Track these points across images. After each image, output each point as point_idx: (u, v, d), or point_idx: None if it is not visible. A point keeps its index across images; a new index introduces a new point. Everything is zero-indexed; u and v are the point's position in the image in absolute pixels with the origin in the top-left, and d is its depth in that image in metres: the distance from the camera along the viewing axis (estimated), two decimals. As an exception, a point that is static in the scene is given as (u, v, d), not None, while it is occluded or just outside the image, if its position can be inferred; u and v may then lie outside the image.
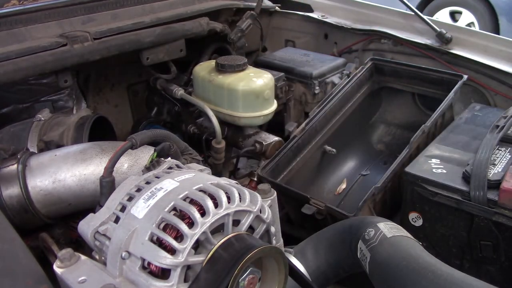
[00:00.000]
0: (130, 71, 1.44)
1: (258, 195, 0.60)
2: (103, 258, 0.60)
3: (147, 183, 0.63)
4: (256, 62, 1.52)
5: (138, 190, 0.62)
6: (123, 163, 0.85)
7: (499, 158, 0.97)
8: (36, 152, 0.96)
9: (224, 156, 1.24)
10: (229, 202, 0.55)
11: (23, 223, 0.85)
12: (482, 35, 1.37)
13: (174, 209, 0.55)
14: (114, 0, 1.20)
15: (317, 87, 1.40)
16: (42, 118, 1.03)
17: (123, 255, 0.54)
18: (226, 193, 0.56)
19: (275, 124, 1.37)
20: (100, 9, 1.18)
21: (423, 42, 1.38)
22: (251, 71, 1.23)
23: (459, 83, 1.19)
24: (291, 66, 1.43)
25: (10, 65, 0.94)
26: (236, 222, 0.57)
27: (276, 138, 1.24)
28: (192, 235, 0.52)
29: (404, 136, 1.39)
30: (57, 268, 0.56)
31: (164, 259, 0.51)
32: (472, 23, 3.39)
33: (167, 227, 0.54)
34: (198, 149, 1.06)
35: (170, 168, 0.69)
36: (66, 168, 0.85)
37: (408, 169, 1.01)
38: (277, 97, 1.30)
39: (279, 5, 1.69)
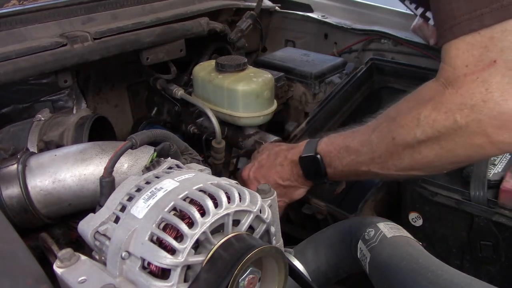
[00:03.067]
0: (130, 71, 1.44)
1: (258, 195, 0.60)
2: (103, 258, 0.60)
3: (147, 183, 0.63)
4: (256, 62, 1.52)
5: (138, 190, 0.62)
6: (123, 163, 0.85)
7: (499, 158, 0.97)
8: (36, 152, 0.96)
9: (224, 156, 1.24)
10: (229, 202, 0.55)
11: (23, 223, 0.85)
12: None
13: (174, 209, 0.55)
14: (114, 0, 1.21)
15: (317, 87, 1.40)
16: (42, 118, 1.03)
17: (123, 255, 0.54)
18: (226, 193, 0.56)
19: (275, 124, 1.37)
20: (100, 9, 1.18)
21: (423, 42, 1.38)
22: (251, 71, 1.23)
23: (459, 83, 1.19)
24: (291, 66, 1.43)
25: (10, 65, 0.94)
26: (236, 222, 0.57)
27: (276, 138, 1.24)
28: (192, 235, 0.52)
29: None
30: (57, 268, 0.56)
31: (164, 259, 0.51)
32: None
33: (167, 227, 0.54)
34: (198, 149, 1.06)
35: (170, 168, 0.69)
36: (66, 168, 0.85)
37: (408, 169, 1.01)
38: (277, 97, 1.30)
39: (279, 5, 1.69)
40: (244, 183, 1.05)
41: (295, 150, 0.99)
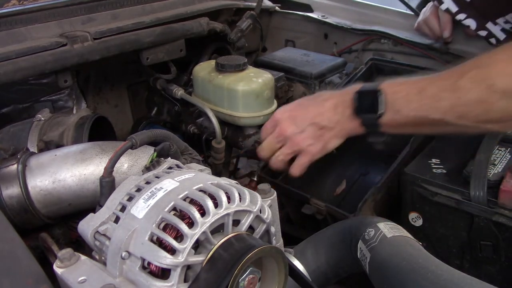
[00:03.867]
0: (130, 71, 1.44)
1: (258, 195, 0.60)
2: (103, 258, 0.60)
3: (147, 183, 0.63)
4: (256, 62, 1.52)
5: (138, 190, 0.62)
6: (123, 163, 0.85)
7: (499, 158, 0.97)
8: (36, 152, 0.96)
9: (224, 156, 1.24)
10: (229, 202, 0.55)
11: (23, 223, 0.85)
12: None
13: (174, 209, 0.56)
14: (114, 0, 1.21)
15: (317, 87, 1.40)
16: (42, 118, 1.03)
17: (123, 255, 0.54)
18: (226, 193, 0.56)
19: (275, 124, 1.37)
20: (100, 9, 1.18)
21: (423, 42, 1.38)
22: (251, 71, 1.23)
23: (459, 83, 1.19)
24: (291, 66, 1.43)
25: (10, 65, 0.94)
26: (236, 222, 0.57)
27: (276, 138, 1.24)
28: (192, 235, 0.52)
29: (404, 136, 1.39)
30: (57, 268, 0.56)
31: (164, 259, 0.51)
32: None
33: (167, 227, 0.54)
34: (198, 149, 1.06)
35: (170, 168, 0.69)
36: (66, 168, 0.85)
37: (408, 169, 1.01)
38: (277, 97, 1.30)
39: (279, 5, 1.69)
40: (275, 123, 0.97)
41: (347, 90, 0.91)
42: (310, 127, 0.92)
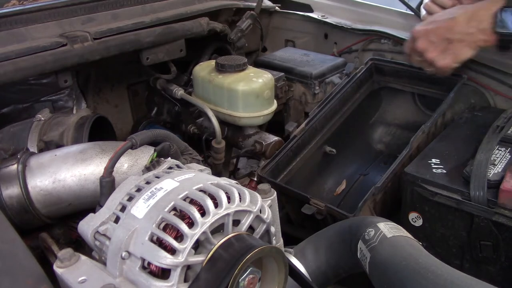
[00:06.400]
0: (130, 71, 1.44)
1: (258, 195, 0.60)
2: (103, 258, 0.60)
3: (147, 183, 0.63)
4: (256, 62, 1.52)
5: (138, 190, 0.62)
6: (123, 163, 0.85)
7: (499, 158, 0.97)
8: (36, 152, 0.96)
9: (224, 156, 1.24)
10: (229, 202, 0.55)
11: (23, 223, 0.85)
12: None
13: (174, 209, 0.56)
14: (114, 0, 1.21)
15: (317, 87, 1.40)
16: (42, 118, 1.03)
17: (123, 255, 0.54)
18: (226, 193, 0.56)
19: (275, 124, 1.37)
20: (100, 9, 1.18)
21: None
22: (251, 71, 1.23)
23: (459, 83, 1.19)
24: (291, 66, 1.43)
25: (10, 65, 0.94)
26: (236, 222, 0.57)
27: (276, 138, 1.24)
28: (192, 235, 0.52)
29: (404, 136, 1.39)
30: (57, 268, 0.56)
31: (164, 259, 0.51)
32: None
33: (167, 227, 0.54)
34: (198, 149, 1.06)
35: (170, 168, 0.69)
36: (66, 168, 0.85)
37: (408, 169, 1.01)
38: (277, 97, 1.30)
39: (279, 5, 1.69)
40: (413, 40, 1.10)
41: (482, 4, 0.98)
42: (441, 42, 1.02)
